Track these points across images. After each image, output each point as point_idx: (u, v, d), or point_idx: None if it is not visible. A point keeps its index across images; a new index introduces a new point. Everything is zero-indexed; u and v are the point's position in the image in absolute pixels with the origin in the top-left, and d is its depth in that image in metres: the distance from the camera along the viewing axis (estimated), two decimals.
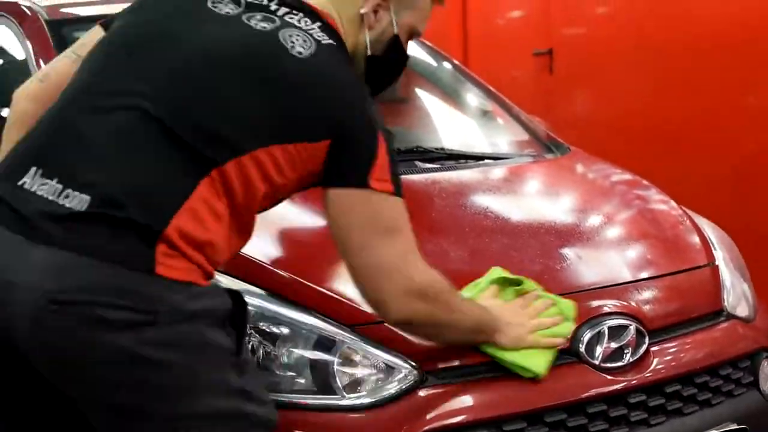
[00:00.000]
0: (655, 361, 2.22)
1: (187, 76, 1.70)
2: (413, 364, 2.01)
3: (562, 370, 2.11)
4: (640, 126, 5.30)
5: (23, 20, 3.02)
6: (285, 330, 2.02)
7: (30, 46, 2.90)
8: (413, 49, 3.59)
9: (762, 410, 2.41)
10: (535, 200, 2.70)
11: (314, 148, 1.73)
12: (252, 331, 2.01)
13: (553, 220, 2.54)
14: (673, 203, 2.81)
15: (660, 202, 2.83)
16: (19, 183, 1.63)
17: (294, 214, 2.41)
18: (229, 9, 1.79)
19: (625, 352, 2.18)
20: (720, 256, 2.64)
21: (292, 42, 1.76)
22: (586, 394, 2.11)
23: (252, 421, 1.68)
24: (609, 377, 2.14)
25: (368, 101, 1.81)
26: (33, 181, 1.63)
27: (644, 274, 2.40)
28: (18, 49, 2.98)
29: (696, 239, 2.64)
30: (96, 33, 1.92)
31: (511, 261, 2.29)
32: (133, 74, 1.71)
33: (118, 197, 1.58)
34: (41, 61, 2.81)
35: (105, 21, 1.93)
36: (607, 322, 2.19)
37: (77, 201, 1.58)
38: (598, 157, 3.17)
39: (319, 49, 1.78)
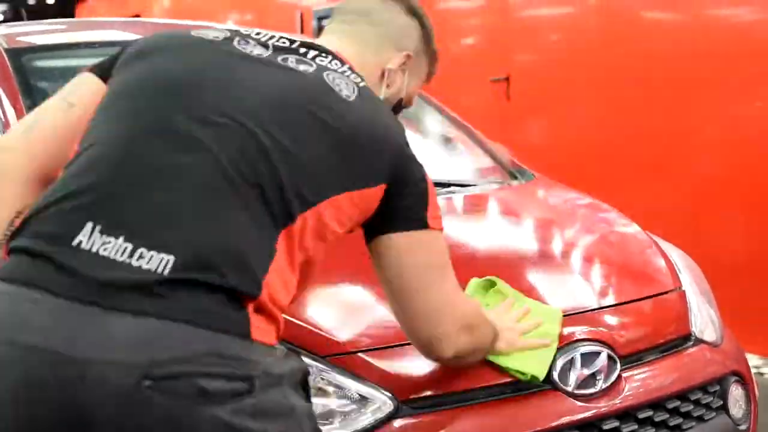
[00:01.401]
0: (627, 387, 2.23)
1: (257, 125, 1.57)
2: (387, 394, 1.99)
3: (536, 397, 2.10)
4: (598, 152, 5.35)
5: None
6: None
7: None
8: None
9: None
10: (503, 228, 2.70)
11: (373, 193, 1.67)
12: None
13: (522, 247, 2.54)
14: (639, 229, 2.83)
15: (626, 227, 2.84)
16: (73, 243, 1.44)
17: None
18: (259, 51, 1.70)
19: (598, 378, 2.18)
20: (687, 281, 2.66)
21: (338, 85, 1.69)
22: (560, 422, 2.11)
23: None
24: (582, 404, 2.14)
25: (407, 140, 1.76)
26: (90, 240, 1.44)
27: (614, 300, 2.41)
28: None
29: (663, 264, 2.66)
30: (89, 81, 1.74)
31: None
32: (193, 122, 1.55)
33: (210, 259, 1.45)
34: (0, 90, 2.77)
35: (95, 67, 1.76)
36: (580, 348, 2.19)
37: (156, 262, 1.43)
38: (562, 183, 3.19)
39: (360, 92, 1.71)
